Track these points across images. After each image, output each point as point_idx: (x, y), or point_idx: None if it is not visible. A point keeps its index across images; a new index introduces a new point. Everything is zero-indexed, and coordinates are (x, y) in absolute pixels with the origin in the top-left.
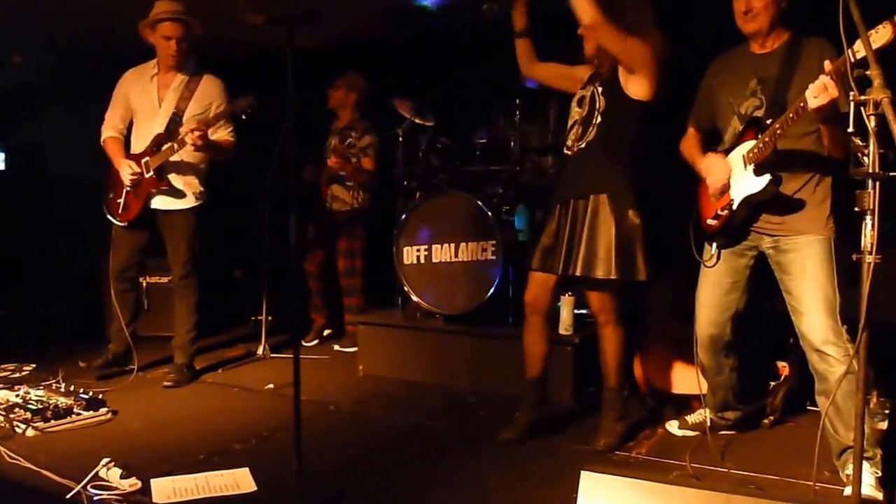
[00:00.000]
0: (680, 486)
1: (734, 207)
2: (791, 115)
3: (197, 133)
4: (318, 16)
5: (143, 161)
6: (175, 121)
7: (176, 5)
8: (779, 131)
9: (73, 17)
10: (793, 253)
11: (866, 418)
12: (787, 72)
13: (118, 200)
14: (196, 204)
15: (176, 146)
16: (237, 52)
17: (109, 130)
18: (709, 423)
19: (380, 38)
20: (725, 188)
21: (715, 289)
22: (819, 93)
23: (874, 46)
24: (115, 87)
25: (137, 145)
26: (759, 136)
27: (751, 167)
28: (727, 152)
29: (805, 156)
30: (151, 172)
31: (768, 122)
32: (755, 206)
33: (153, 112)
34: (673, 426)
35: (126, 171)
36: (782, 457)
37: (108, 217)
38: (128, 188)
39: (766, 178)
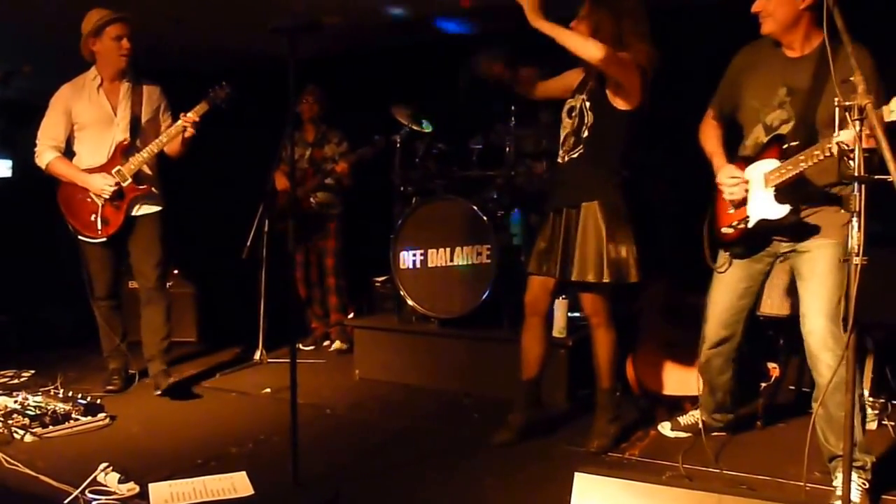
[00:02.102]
0: (672, 487)
1: (750, 224)
2: (818, 153)
3: (192, 121)
4: (321, 27)
5: (115, 170)
6: (135, 127)
7: (110, 11)
8: (802, 164)
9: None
10: (805, 254)
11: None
12: (819, 83)
13: (92, 218)
14: (163, 206)
15: (154, 148)
16: (231, 63)
17: (52, 151)
18: (701, 425)
19: (378, 46)
20: (743, 202)
21: (728, 293)
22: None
23: (888, 119)
24: (49, 104)
25: (92, 158)
26: (783, 161)
27: (771, 189)
28: (748, 160)
29: (828, 174)
30: (130, 179)
31: (794, 143)
32: (771, 228)
33: (108, 121)
34: (665, 428)
35: (103, 184)
36: (773, 457)
37: (83, 238)
38: (104, 201)
39: (787, 208)
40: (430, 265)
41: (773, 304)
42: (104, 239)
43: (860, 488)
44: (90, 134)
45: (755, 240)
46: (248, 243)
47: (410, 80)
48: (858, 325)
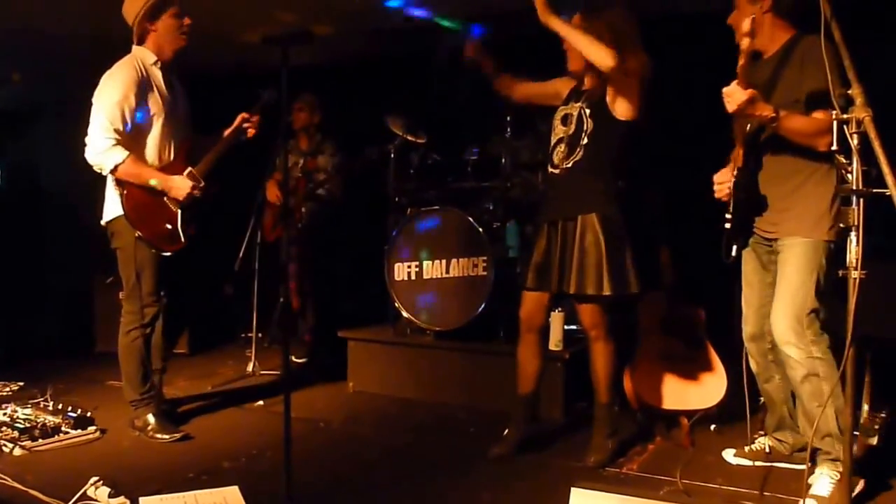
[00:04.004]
0: (670, 503)
1: (731, 210)
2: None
3: (257, 121)
4: (312, 36)
5: (187, 172)
6: (189, 125)
7: None
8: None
9: (70, 36)
10: (780, 254)
11: (859, 434)
12: (776, 75)
13: (168, 226)
14: None
15: (221, 148)
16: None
17: (122, 148)
18: (768, 450)
19: (372, 55)
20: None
21: (748, 287)
22: (727, 98)
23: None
24: (111, 88)
25: (152, 156)
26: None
27: (735, 171)
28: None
29: (792, 155)
30: (202, 182)
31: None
32: (740, 207)
33: (173, 115)
34: (728, 454)
35: (187, 186)
36: (771, 472)
37: (163, 252)
38: (184, 206)
39: (732, 181)
40: (425, 277)
41: None
42: (177, 249)
43: (832, 480)
44: (157, 127)
45: (742, 229)
46: (241, 254)
47: (405, 90)
48: (855, 339)
